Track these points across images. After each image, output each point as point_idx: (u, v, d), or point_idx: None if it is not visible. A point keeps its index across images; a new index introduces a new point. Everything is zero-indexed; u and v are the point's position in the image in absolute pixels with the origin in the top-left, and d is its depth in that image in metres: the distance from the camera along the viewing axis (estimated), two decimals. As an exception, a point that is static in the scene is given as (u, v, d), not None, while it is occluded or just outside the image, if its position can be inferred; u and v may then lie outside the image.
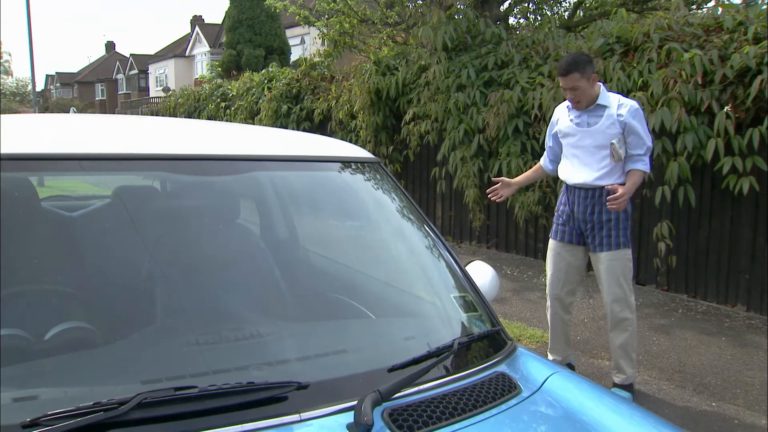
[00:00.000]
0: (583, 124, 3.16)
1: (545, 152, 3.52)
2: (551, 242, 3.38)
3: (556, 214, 3.38)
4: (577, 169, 3.20)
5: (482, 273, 1.91)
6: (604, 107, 3.11)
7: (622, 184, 3.06)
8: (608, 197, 3.04)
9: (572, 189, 3.25)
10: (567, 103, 3.27)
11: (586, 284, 5.51)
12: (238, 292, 1.46)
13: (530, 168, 5.80)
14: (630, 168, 3.10)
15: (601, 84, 3.16)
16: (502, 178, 3.45)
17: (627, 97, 3.30)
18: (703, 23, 4.95)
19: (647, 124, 3.18)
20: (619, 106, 3.08)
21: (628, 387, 3.25)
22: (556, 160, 3.42)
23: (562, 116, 3.29)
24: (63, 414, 0.97)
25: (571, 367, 3.49)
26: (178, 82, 30.49)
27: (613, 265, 3.15)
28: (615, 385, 3.27)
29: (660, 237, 4.94)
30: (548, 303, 3.40)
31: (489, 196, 3.45)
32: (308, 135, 2.02)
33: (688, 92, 4.56)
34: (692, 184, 4.78)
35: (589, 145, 3.13)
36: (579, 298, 5.12)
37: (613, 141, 3.06)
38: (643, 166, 3.10)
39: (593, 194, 3.16)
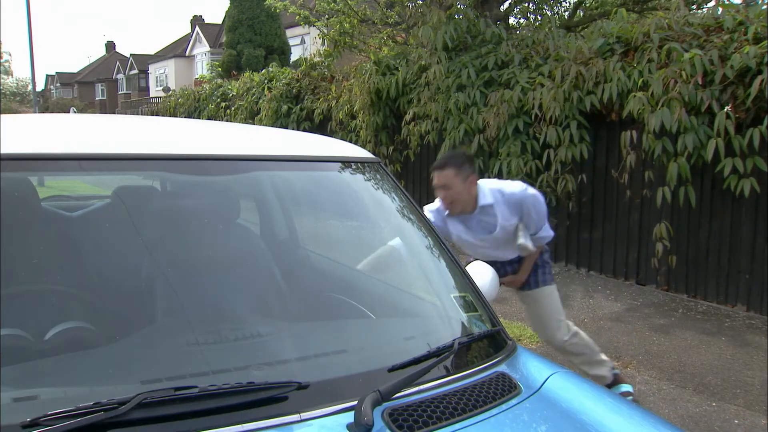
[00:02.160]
0: (482, 232, 2.92)
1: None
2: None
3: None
4: (494, 261, 2.87)
5: (482, 273, 1.92)
6: (490, 206, 2.87)
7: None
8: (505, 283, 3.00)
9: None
10: (437, 205, 2.96)
11: (585, 284, 5.51)
12: (238, 292, 1.46)
13: (530, 168, 5.87)
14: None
15: (478, 182, 2.91)
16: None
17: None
18: (703, 23, 4.95)
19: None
20: (503, 195, 2.88)
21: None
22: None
23: (444, 223, 2.95)
24: (63, 414, 0.97)
25: None
26: (178, 82, 30.48)
27: (551, 299, 3.09)
28: (608, 386, 3.24)
29: (658, 237, 4.94)
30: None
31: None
32: (308, 135, 2.01)
33: (688, 92, 4.56)
34: (692, 184, 4.78)
35: (498, 246, 2.97)
36: (579, 298, 5.12)
37: (520, 241, 2.88)
38: (536, 240, 2.95)
39: (516, 259, 3.09)
